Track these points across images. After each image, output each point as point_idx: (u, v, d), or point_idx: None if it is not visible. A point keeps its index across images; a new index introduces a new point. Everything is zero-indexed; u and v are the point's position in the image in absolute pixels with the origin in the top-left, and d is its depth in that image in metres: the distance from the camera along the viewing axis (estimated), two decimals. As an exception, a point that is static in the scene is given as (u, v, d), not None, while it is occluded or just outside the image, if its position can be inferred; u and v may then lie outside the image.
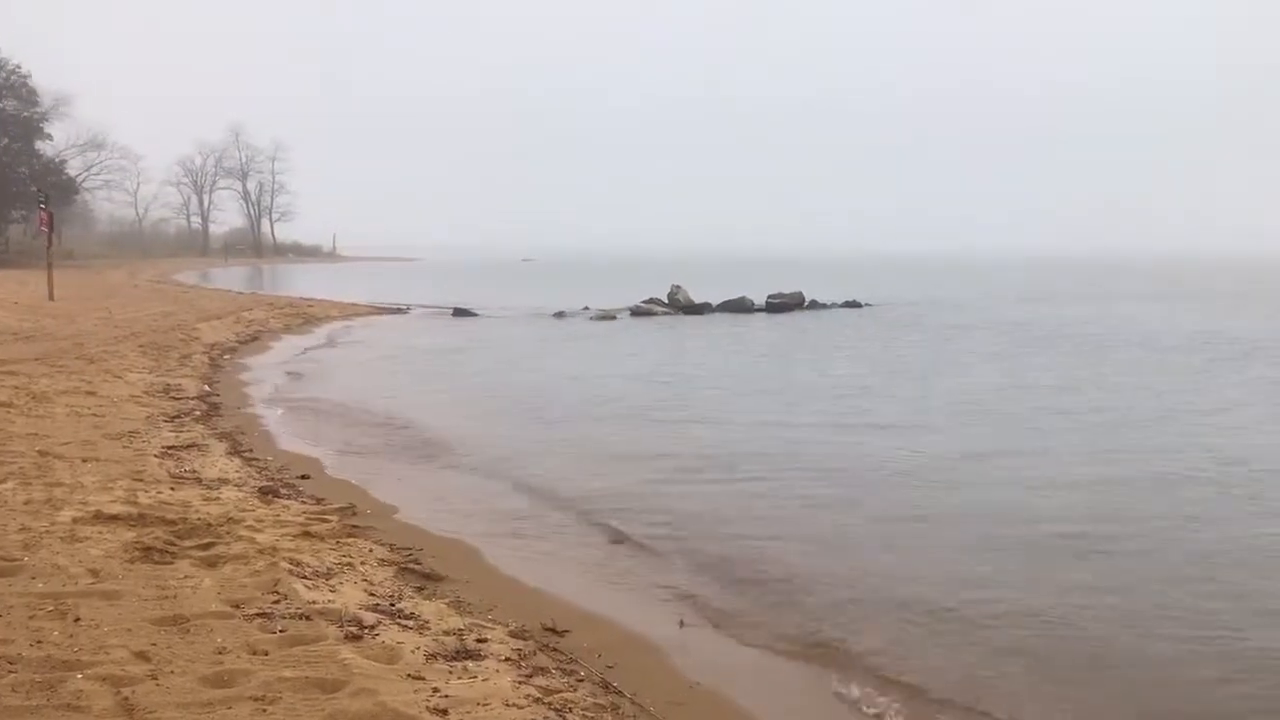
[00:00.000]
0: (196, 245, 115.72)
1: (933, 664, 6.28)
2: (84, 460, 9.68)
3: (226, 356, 22.37)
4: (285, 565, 6.78)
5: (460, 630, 6.05)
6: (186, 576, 6.45)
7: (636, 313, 38.39)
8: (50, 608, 5.62)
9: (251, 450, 11.58)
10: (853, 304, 42.82)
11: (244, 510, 8.32)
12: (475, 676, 5.26)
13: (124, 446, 10.65)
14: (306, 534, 7.81)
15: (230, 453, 11.20)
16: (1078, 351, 25.11)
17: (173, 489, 8.90)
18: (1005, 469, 11.68)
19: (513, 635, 6.12)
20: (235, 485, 9.44)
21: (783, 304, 40.65)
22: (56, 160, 76.02)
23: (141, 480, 9.08)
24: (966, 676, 6.11)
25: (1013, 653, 6.46)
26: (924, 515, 9.68)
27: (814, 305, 41.96)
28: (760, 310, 40.05)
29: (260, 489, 9.41)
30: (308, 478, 10.41)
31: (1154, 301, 48.33)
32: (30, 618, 5.46)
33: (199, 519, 7.78)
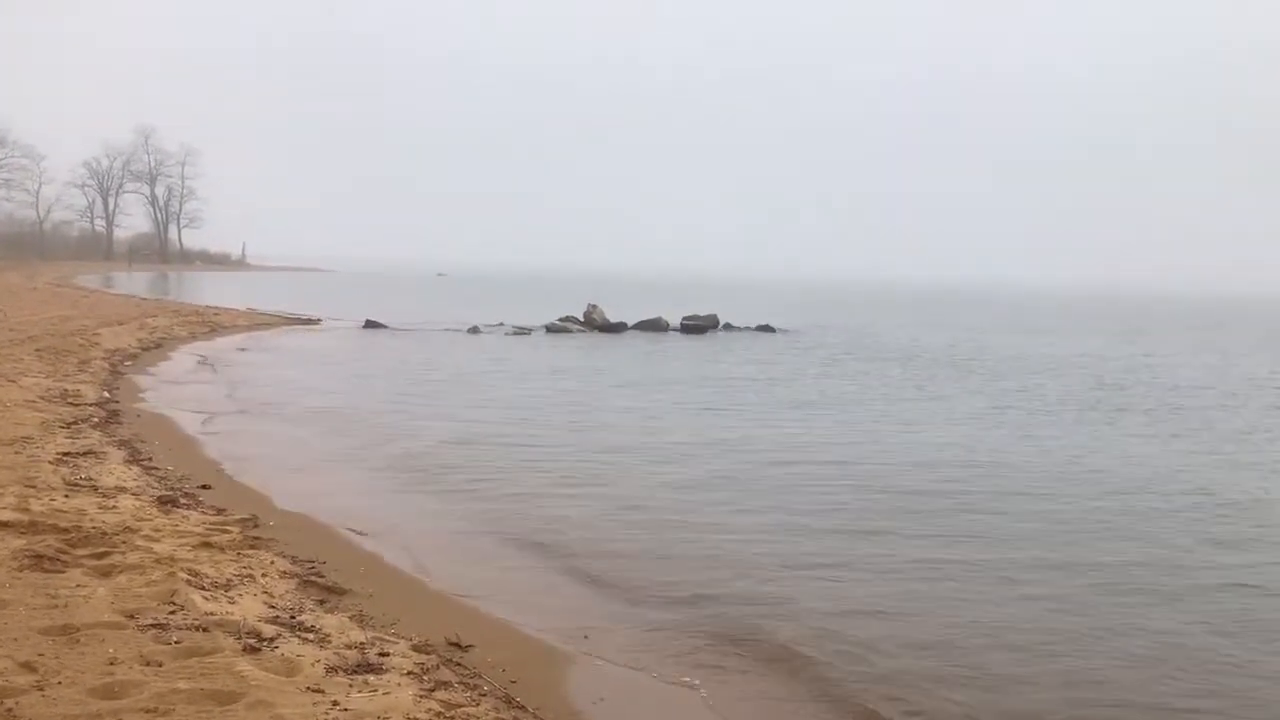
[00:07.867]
0: (100, 249, 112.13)
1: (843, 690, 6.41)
2: (-28, 466, 9.34)
3: (128, 363, 21.77)
4: (183, 576, 6.63)
5: (362, 644, 5.98)
6: (79, 586, 6.27)
7: (552, 330, 38.48)
8: (-69, 617, 5.43)
9: (151, 458, 11.28)
10: (765, 328, 43.34)
11: (141, 519, 8.11)
12: (376, 690, 5.20)
13: (16, 452, 10.30)
14: (206, 544, 7.65)
15: (129, 460, 10.89)
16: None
17: (67, 496, 8.64)
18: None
19: (416, 649, 6.06)
20: (133, 494, 9.20)
21: (697, 325, 41.19)
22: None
23: (34, 487, 8.79)
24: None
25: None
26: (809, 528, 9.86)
27: (728, 328, 42.53)
28: (675, 331, 40.56)
29: (159, 498, 9.18)
30: (209, 488, 10.18)
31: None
32: (-91, 626, 5.26)
33: (94, 527, 7.57)
